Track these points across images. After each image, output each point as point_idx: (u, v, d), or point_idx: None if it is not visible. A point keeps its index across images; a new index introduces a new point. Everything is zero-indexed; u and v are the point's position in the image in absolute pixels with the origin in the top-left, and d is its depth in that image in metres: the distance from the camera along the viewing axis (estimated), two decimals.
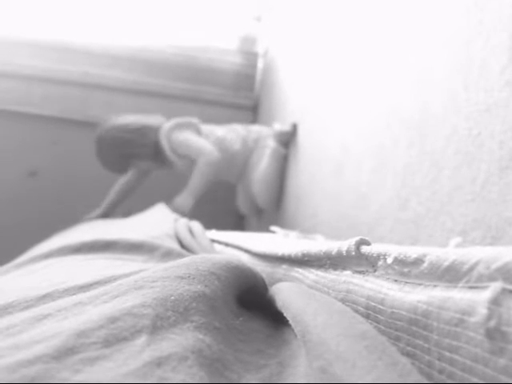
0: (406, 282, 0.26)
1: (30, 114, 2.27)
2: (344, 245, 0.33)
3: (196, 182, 1.70)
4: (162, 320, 0.24)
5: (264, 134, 1.82)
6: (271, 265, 0.48)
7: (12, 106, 2.25)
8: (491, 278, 0.20)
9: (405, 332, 0.24)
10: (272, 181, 1.75)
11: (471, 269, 0.21)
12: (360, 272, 0.31)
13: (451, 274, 0.22)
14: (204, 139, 1.74)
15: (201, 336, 0.24)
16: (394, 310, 0.25)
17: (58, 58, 2.31)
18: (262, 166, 1.75)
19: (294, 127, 1.67)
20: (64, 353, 0.20)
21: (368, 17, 1.08)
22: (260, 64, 2.56)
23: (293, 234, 0.92)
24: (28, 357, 0.19)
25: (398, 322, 0.25)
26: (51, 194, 2.29)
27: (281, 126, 1.74)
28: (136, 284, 0.29)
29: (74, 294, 0.31)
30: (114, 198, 1.87)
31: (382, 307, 0.27)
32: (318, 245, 0.38)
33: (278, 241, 0.57)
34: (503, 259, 0.19)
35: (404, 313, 0.24)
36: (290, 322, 0.28)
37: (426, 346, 0.23)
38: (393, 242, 0.82)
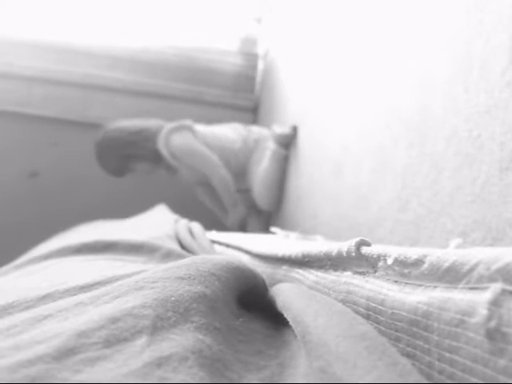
0: (407, 283, 0.26)
1: (31, 114, 2.27)
2: (344, 246, 0.33)
3: (225, 199, 1.77)
4: (162, 320, 0.24)
5: (264, 136, 1.82)
6: (271, 266, 0.48)
7: (12, 106, 2.25)
8: (491, 278, 0.20)
9: (405, 333, 0.24)
10: (272, 182, 1.75)
11: (471, 270, 0.21)
12: (360, 273, 0.31)
13: (451, 275, 0.22)
14: (207, 144, 1.75)
15: (201, 336, 0.24)
16: (395, 311, 0.25)
17: (58, 59, 2.31)
18: (263, 167, 1.75)
19: (294, 130, 1.67)
20: (65, 353, 0.20)
21: (368, 18, 1.08)
22: (260, 65, 2.56)
23: (293, 235, 0.92)
24: (29, 357, 0.19)
25: (399, 323, 0.25)
26: (51, 195, 2.29)
27: (281, 128, 1.73)
28: (136, 285, 0.29)
29: (74, 295, 0.31)
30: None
31: (382, 308, 0.27)
32: (318, 246, 0.38)
33: (279, 242, 0.57)
34: (503, 260, 0.19)
35: (404, 314, 0.24)
36: (291, 322, 0.28)
37: (427, 346, 0.23)
38: (393, 243, 0.82)
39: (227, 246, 0.69)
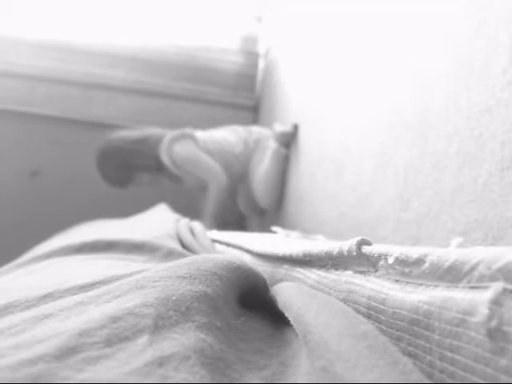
0: (408, 282, 0.26)
1: (32, 113, 2.27)
2: (345, 245, 0.33)
3: (211, 206, 1.75)
4: (163, 320, 0.24)
5: (265, 135, 1.82)
6: (272, 265, 0.48)
7: (14, 105, 2.25)
8: (492, 278, 0.20)
9: (406, 332, 0.24)
10: (273, 181, 1.75)
11: (472, 269, 0.21)
12: (361, 272, 0.31)
13: (452, 274, 0.22)
14: (209, 151, 1.75)
15: (202, 336, 0.24)
16: (396, 310, 0.25)
17: (59, 58, 2.31)
18: (264, 166, 1.75)
19: (295, 128, 1.67)
20: (66, 352, 0.20)
21: (369, 17, 1.08)
22: (261, 64, 2.56)
23: (294, 234, 0.92)
24: (30, 356, 0.19)
25: (400, 322, 0.25)
26: (53, 194, 2.29)
27: (282, 126, 1.74)
28: (138, 284, 0.29)
29: (75, 294, 0.31)
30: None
31: (383, 307, 0.27)
32: (319, 245, 0.38)
33: (280, 241, 0.57)
34: (504, 259, 0.19)
35: (405, 313, 0.24)
36: (292, 322, 0.28)
37: (428, 345, 0.23)
38: (394, 242, 0.82)
39: (228, 245, 0.69)
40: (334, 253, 0.34)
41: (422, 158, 0.76)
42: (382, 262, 0.29)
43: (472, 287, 0.21)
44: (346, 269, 0.34)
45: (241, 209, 2.02)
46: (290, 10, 2.04)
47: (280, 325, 0.33)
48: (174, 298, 0.27)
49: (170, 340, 0.23)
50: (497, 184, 0.57)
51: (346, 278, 0.33)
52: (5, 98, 2.25)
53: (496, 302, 0.19)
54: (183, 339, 0.23)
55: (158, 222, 0.89)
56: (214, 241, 0.75)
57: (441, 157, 0.71)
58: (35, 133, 2.29)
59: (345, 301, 0.32)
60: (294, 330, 0.28)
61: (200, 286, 0.29)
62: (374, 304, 0.28)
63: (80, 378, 0.19)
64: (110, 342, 0.22)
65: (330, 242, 0.43)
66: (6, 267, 0.55)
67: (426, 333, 0.23)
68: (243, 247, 0.60)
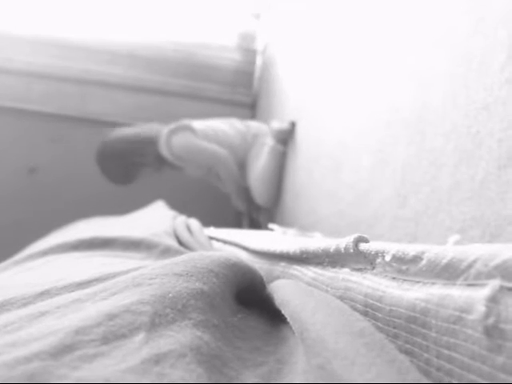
0: (405, 280, 0.26)
1: (30, 110, 2.27)
2: (342, 242, 0.33)
3: (230, 187, 1.84)
4: (160, 317, 0.24)
5: (263, 131, 1.82)
6: (269, 262, 0.48)
7: (11, 102, 2.25)
8: (489, 275, 0.20)
9: (403, 329, 0.24)
10: (270, 178, 1.75)
11: (469, 266, 0.21)
12: (358, 269, 0.31)
13: (449, 272, 0.22)
14: (207, 141, 1.76)
15: (199, 333, 0.24)
16: (393, 308, 0.25)
17: (57, 55, 2.30)
18: (260, 163, 1.75)
19: (292, 125, 1.67)
20: (62, 350, 0.20)
21: (367, 14, 1.08)
22: (258, 61, 2.56)
23: (291, 232, 0.92)
24: (26, 354, 0.19)
25: (397, 320, 0.25)
26: (50, 191, 2.29)
27: (279, 124, 1.73)
28: (134, 281, 0.29)
29: (72, 291, 0.31)
30: None
31: (380, 305, 0.27)
32: (316, 242, 0.38)
33: (276, 238, 0.57)
34: (501, 257, 0.19)
35: (402, 310, 0.24)
36: (288, 319, 0.28)
37: (425, 343, 0.23)
38: (391, 239, 0.82)
39: (225, 242, 0.69)
40: (331, 250, 0.34)
41: (420, 155, 0.76)
42: (379, 260, 0.29)
43: (469, 285, 0.21)
44: (342, 266, 0.34)
45: (236, 205, 2.03)
46: (287, 7, 2.03)
47: (277, 322, 0.33)
48: (170, 295, 0.27)
49: (166, 337, 0.23)
50: (494, 182, 0.57)
51: (343, 276, 0.33)
52: (2, 95, 2.24)
53: (493, 300, 0.19)
54: (180, 337, 0.23)
55: (155, 219, 0.89)
56: (211, 238, 0.75)
57: (438, 154, 0.71)
58: (33, 130, 2.28)
59: (342, 298, 0.32)
60: (290, 328, 0.28)
61: (197, 284, 0.29)
62: (371, 301, 0.28)
63: (76, 375, 0.18)
64: (106, 340, 0.21)
65: (327, 239, 0.43)
66: (2, 264, 0.54)
67: (423, 330, 0.23)
68: (240, 244, 0.60)
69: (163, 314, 0.25)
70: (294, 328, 0.27)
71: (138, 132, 1.79)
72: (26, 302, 0.29)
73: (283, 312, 0.30)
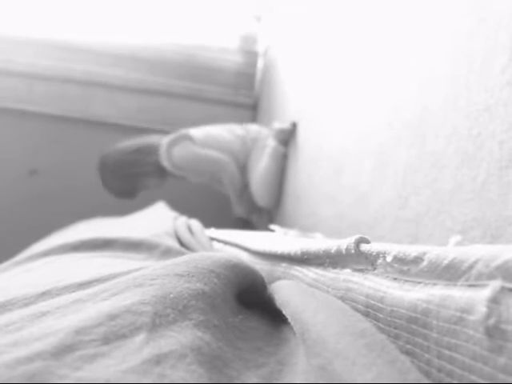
0: (406, 281, 0.26)
1: (32, 112, 2.27)
2: (343, 243, 0.33)
3: (232, 193, 1.85)
4: (161, 318, 0.24)
5: (263, 134, 1.82)
6: (270, 263, 0.48)
7: (13, 103, 2.25)
8: (491, 276, 0.20)
9: (404, 330, 0.24)
10: (272, 180, 1.75)
11: (471, 267, 0.21)
12: (359, 270, 0.31)
13: (451, 273, 0.22)
14: (207, 148, 1.77)
15: (200, 334, 0.24)
16: (394, 309, 0.25)
17: (59, 57, 2.31)
18: (262, 165, 1.75)
19: (294, 125, 1.67)
20: (63, 350, 0.20)
21: (368, 16, 1.08)
22: (260, 63, 2.56)
23: (292, 233, 0.92)
24: (27, 354, 0.19)
25: (398, 321, 0.25)
26: (51, 192, 2.29)
27: (280, 123, 1.74)
28: (135, 281, 0.29)
29: (72, 292, 0.31)
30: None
31: (381, 305, 0.27)
32: (317, 243, 0.38)
33: (278, 239, 0.57)
34: (502, 258, 0.19)
35: (403, 311, 0.24)
36: (289, 320, 0.28)
37: (426, 344, 0.23)
38: (392, 240, 0.82)
39: (226, 243, 0.69)
40: (332, 251, 0.34)
41: (421, 157, 0.76)
42: (380, 260, 0.29)
43: (470, 285, 0.21)
44: (344, 267, 0.34)
45: (237, 210, 2.03)
46: (289, 10, 2.04)
47: (278, 323, 0.33)
48: (171, 295, 0.27)
49: (167, 338, 0.23)
50: (495, 183, 0.57)
51: (344, 277, 0.33)
52: (4, 97, 2.24)
53: (494, 300, 0.19)
54: (181, 337, 0.23)
55: (155, 220, 0.89)
56: (212, 239, 0.75)
57: (439, 156, 0.71)
58: (35, 131, 2.29)
59: (343, 299, 0.31)
60: (291, 328, 0.28)
61: (198, 284, 0.29)
62: (372, 302, 0.28)
63: (77, 375, 0.18)
64: (107, 340, 0.21)
65: (328, 240, 0.43)
66: (3, 265, 0.54)
67: (424, 331, 0.23)
68: (241, 245, 0.60)
69: (164, 314, 0.25)
70: (294, 329, 0.27)
71: (136, 144, 1.79)
72: (27, 302, 0.29)
73: (284, 313, 0.30)
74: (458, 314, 0.20)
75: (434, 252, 0.24)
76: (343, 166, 1.12)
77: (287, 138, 1.71)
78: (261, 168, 1.75)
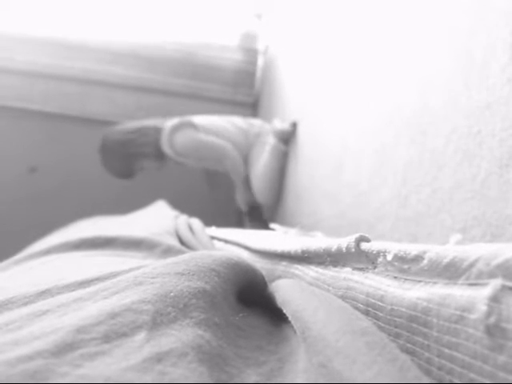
0: (406, 279, 0.26)
1: (31, 110, 2.27)
2: (344, 242, 0.33)
3: (237, 179, 1.85)
4: (161, 316, 0.24)
5: (266, 130, 1.82)
6: (271, 262, 0.48)
7: (12, 101, 2.25)
8: (491, 274, 0.20)
9: (404, 329, 0.24)
10: (272, 176, 1.75)
11: (471, 266, 0.21)
12: (360, 269, 0.31)
13: (451, 271, 0.22)
14: (212, 136, 1.77)
15: (200, 332, 0.24)
16: (394, 307, 0.25)
17: (58, 55, 2.30)
18: (262, 162, 1.75)
19: (294, 126, 1.67)
20: (63, 348, 0.20)
21: (369, 15, 1.08)
22: (260, 61, 2.56)
23: (292, 232, 0.92)
24: (27, 352, 0.19)
25: (398, 319, 0.25)
26: (51, 190, 2.29)
27: (281, 124, 1.74)
28: (136, 280, 0.29)
29: (73, 290, 0.31)
30: None
31: (381, 304, 0.27)
32: (317, 242, 0.38)
33: (278, 238, 0.57)
34: (503, 256, 0.19)
35: (404, 309, 0.24)
36: (290, 318, 0.28)
37: (426, 342, 0.23)
38: (393, 239, 0.82)
39: (226, 242, 0.69)
40: (333, 249, 0.34)
41: (421, 155, 0.76)
42: (380, 259, 0.29)
43: (471, 284, 0.21)
44: (344, 265, 0.34)
45: (238, 203, 2.03)
46: (289, 8, 2.03)
47: (278, 321, 0.33)
48: (172, 294, 0.27)
49: (167, 336, 0.23)
50: (495, 181, 0.57)
51: (345, 275, 0.33)
52: (4, 95, 2.24)
53: (494, 299, 0.19)
54: (181, 335, 0.23)
55: (156, 218, 0.89)
56: (213, 237, 0.75)
57: (440, 154, 0.71)
58: (34, 129, 2.29)
59: (343, 297, 0.32)
60: (292, 327, 0.28)
61: (198, 283, 0.29)
62: (373, 301, 0.28)
63: (78, 374, 0.19)
64: (107, 338, 0.21)
65: (328, 239, 0.43)
66: (3, 264, 0.54)
67: (425, 329, 0.23)
68: (242, 244, 0.60)
69: (165, 312, 0.25)
70: (295, 327, 0.27)
71: (136, 125, 1.79)
72: (27, 300, 0.29)
73: (285, 311, 0.30)
74: (459, 312, 0.20)
75: (434, 251, 0.24)
76: (343, 164, 1.12)
77: (287, 137, 1.71)
78: (261, 164, 1.75)
